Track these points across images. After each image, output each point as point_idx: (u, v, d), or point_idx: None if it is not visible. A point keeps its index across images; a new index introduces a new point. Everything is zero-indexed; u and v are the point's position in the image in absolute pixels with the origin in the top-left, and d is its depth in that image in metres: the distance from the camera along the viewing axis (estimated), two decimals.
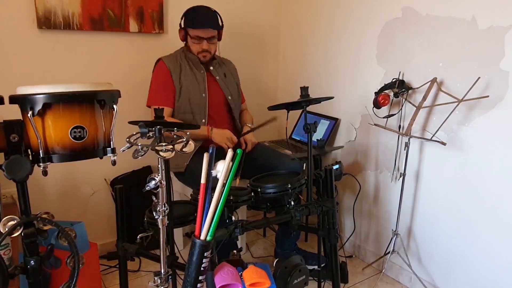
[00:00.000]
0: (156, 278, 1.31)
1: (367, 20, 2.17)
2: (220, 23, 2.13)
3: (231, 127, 2.23)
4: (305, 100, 1.70)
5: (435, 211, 1.94)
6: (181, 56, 2.15)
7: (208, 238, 1.09)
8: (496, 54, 1.61)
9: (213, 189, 1.08)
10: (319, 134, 2.44)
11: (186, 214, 1.53)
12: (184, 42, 2.18)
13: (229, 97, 2.22)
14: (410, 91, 1.95)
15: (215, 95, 2.19)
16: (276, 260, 1.40)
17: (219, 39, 2.17)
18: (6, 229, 1.06)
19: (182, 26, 2.11)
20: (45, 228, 1.14)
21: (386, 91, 1.96)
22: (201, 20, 2.06)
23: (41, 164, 1.08)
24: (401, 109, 2.01)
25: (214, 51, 2.17)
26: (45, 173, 1.08)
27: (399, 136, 2.03)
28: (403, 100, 1.96)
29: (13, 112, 1.12)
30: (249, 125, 2.28)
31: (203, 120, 2.12)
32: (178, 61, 2.13)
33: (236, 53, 2.55)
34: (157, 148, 1.17)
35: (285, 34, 2.82)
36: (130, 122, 1.45)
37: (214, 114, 2.17)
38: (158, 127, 1.23)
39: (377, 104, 1.95)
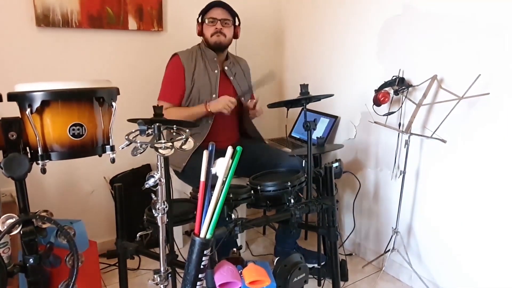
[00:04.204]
0: (155, 276, 1.31)
1: (367, 17, 2.16)
2: (236, 15, 2.17)
3: (237, 125, 2.28)
4: (304, 97, 1.69)
5: (435, 209, 1.94)
6: (197, 52, 2.15)
7: (208, 236, 1.09)
8: (496, 51, 1.61)
9: (213, 187, 1.07)
10: (319, 132, 2.43)
11: (186, 212, 1.52)
12: (201, 37, 2.17)
13: (242, 98, 2.22)
14: (410, 89, 1.94)
15: (227, 95, 2.17)
16: (277, 259, 1.40)
17: (235, 35, 2.19)
18: (5, 227, 1.05)
19: (199, 20, 2.14)
20: (44, 226, 1.14)
21: (386, 89, 1.96)
22: (215, 3, 2.09)
23: (39, 162, 1.07)
24: (401, 106, 2.00)
25: (229, 39, 2.16)
26: (43, 171, 1.07)
27: (399, 133, 2.02)
28: (403, 97, 1.96)
29: (11, 110, 1.11)
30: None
31: (209, 121, 2.11)
32: (193, 57, 2.13)
33: (239, 52, 2.54)
34: (156, 145, 1.17)
35: (285, 32, 2.81)
36: (130, 120, 1.44)
37: (222, 113, 2.16)
38: (157, 124, 1.22)
39: (377, 102, 1.95)
